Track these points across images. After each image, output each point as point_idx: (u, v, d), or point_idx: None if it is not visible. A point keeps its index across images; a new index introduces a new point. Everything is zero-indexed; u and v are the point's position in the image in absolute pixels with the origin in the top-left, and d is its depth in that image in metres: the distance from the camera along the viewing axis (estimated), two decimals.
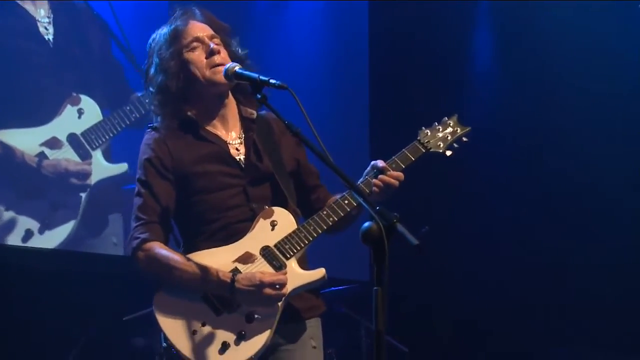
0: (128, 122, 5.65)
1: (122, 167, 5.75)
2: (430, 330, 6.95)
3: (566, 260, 6.58)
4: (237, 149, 3.55)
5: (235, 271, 3.38)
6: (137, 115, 5.63)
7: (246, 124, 3.60)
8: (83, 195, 5.64)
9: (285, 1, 7.16)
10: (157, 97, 3.53)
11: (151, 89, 3.55)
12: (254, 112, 3.62)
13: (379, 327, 2.55)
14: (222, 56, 3.51)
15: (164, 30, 3.58)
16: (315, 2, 7.20)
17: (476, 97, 7.06)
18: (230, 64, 3.43)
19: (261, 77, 3.27)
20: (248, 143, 3.56)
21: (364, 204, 2.88)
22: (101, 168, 5.71)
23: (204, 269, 3.36)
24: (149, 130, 3.60)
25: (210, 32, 3.56)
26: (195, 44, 3.52)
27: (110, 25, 5.81)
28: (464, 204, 6.98)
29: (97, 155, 5.70)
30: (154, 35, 3.61)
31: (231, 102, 3.60)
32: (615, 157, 6.39)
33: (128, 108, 5.64)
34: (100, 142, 5.67)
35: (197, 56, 3.51)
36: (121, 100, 5.71)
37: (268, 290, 3.31)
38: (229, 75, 3.41)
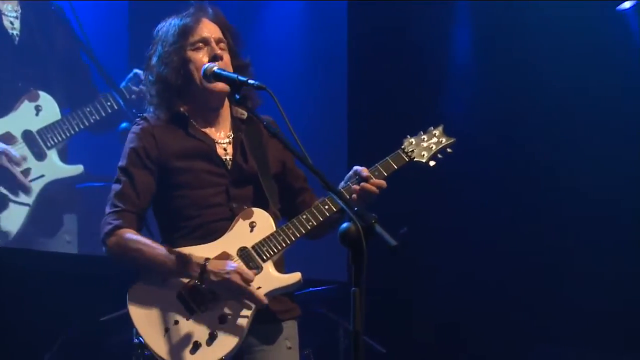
0: (87, 123, 5.55)
1: (77, 169, 5.66)
2: (409, 331, 6.95)
3: (552, 260, 6.61)
4: (224, 149, 3.60)
5: None
6: (97, 117, 5.53)
7: (236, 124, 3.65)
8: (33, 194, 5.54)
9: (264, 1, 7.15)
10: (155, 87, 3.58)
11: (150, 77, 3.58)
12: (245, 112, 3.64)
13: (357, 327, 2.59)
14: (225, 62, 3.53)
15: (173, 22, 3.59)
16: (294, 2, 7.20)
17: (456, 95, 7.07)
18: (208, 64, 3.44)
19: (239, 77, 3.33)
20: (236, 143, 3.61)
21: (341, 204, 2.90)
22: (56, 168, 5.61)
23: (175, 253, 3.41)
24: (138, 119, 3.65)
25: (218, 34, 3.59)
26: (200, 44, 3.54)
27: (72, 23, 5.73)
28: (443, 204, 6.98)
29: (52, 155, 5.60)
30: (162, 24, 3.63)
31: (225, 103, 3.64)
32: (595, 153, 6.45)
33: (88, 109, 5.54)
34: (56, 141, 5.57)
35: (200, 58, 3.53)
36: (85, 103, 5.63)
37: (237, 279, 3.33)
38: (207, 75, 3.45)
